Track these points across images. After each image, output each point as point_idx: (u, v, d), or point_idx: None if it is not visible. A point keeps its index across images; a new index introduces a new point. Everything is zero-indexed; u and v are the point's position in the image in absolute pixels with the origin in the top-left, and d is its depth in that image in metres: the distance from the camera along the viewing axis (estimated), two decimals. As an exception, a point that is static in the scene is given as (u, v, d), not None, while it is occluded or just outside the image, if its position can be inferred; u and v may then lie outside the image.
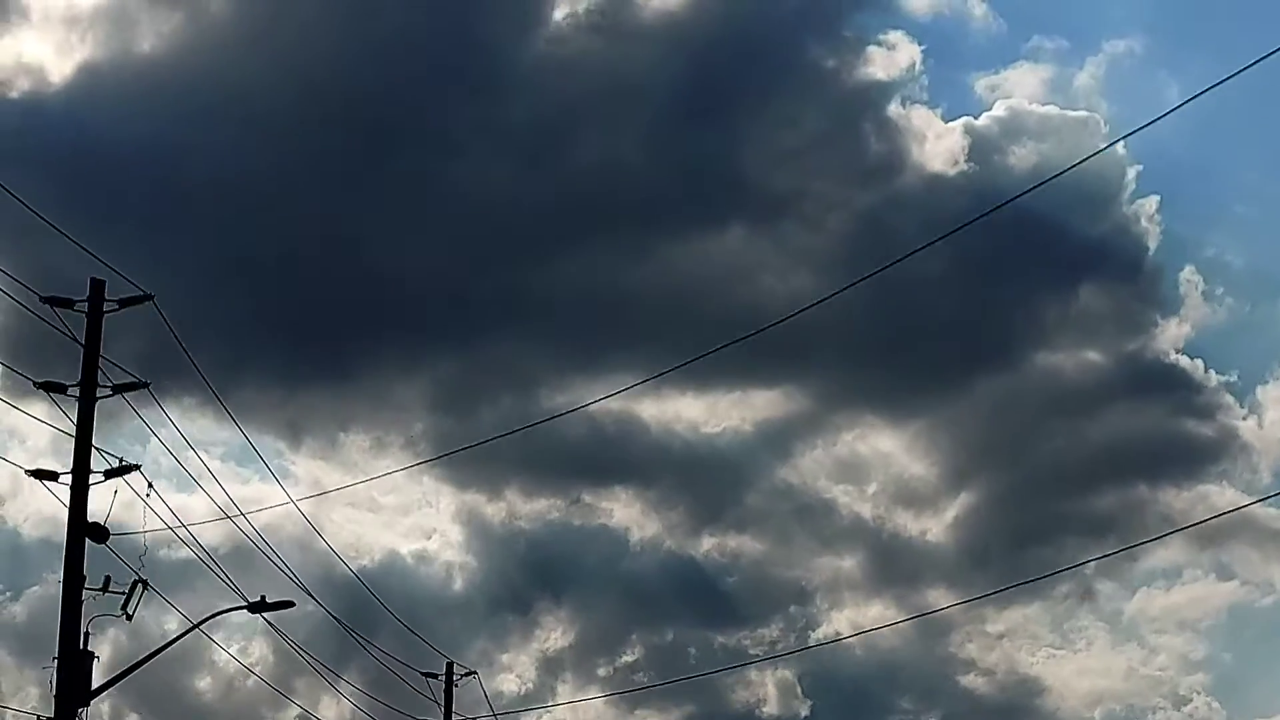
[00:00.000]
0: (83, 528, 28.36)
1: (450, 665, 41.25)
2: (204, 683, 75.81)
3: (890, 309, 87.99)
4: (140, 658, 29.42)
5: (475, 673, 40.92)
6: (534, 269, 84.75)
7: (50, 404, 28.48)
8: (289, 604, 30.28)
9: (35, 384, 28.24)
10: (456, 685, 41.13)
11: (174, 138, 74.01)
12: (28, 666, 68.27)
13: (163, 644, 29.54)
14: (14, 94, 75.23)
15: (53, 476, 28.99)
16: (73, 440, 28.39)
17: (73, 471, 28.92)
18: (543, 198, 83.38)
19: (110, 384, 29.15)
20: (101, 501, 28.64)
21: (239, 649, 75.20)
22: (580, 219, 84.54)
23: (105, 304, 29.03)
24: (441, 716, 40.55)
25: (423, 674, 39.91)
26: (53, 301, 28.61)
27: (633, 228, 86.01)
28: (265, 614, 31.37)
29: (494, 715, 42.59)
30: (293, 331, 79.44)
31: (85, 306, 28.91)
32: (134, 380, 29.30)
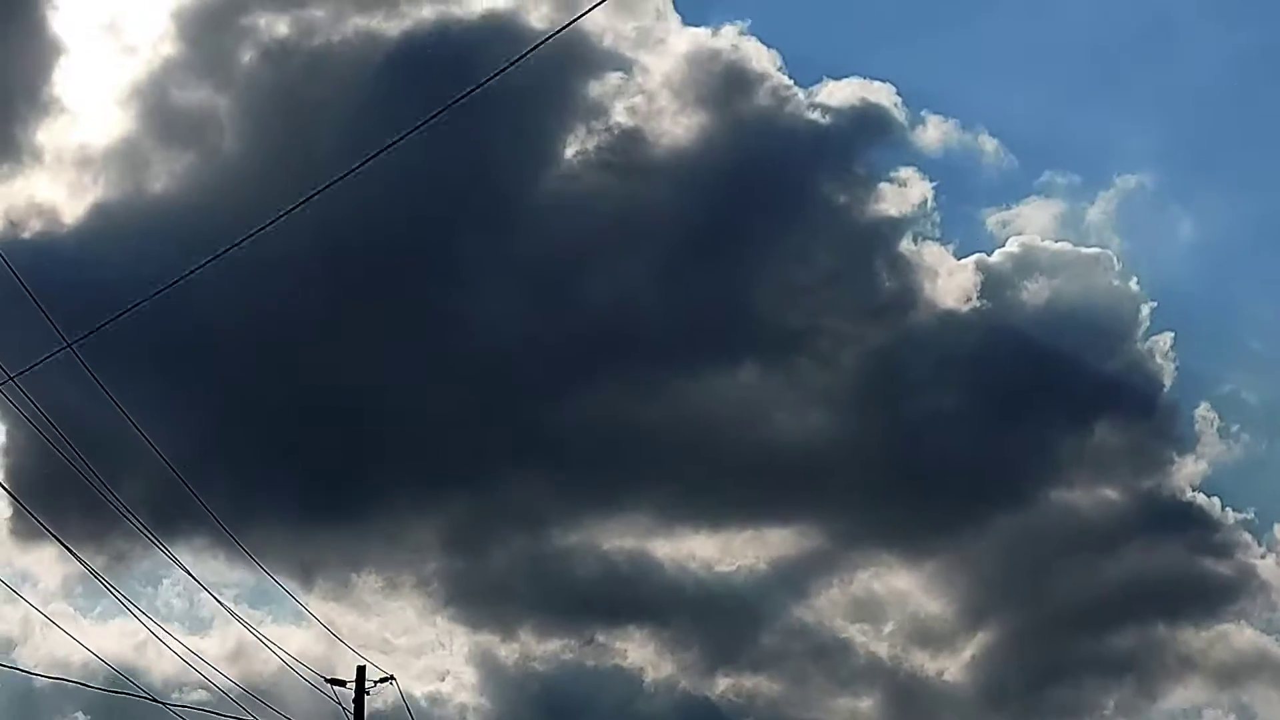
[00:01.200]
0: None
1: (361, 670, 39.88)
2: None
3: (904, 446, 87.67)
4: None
5: (392, 677, 39.41)
6: (545, 406, 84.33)
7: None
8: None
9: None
10: (368, 693, 39.52)
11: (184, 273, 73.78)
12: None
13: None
14: (26, 234, 75.28)
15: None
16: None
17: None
18: (554, 335, 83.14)
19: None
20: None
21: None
22: (591, 356, 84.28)
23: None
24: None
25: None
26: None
27: (644, 364, 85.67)
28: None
29: None
30: (303, 473, 78.97)
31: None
32: None
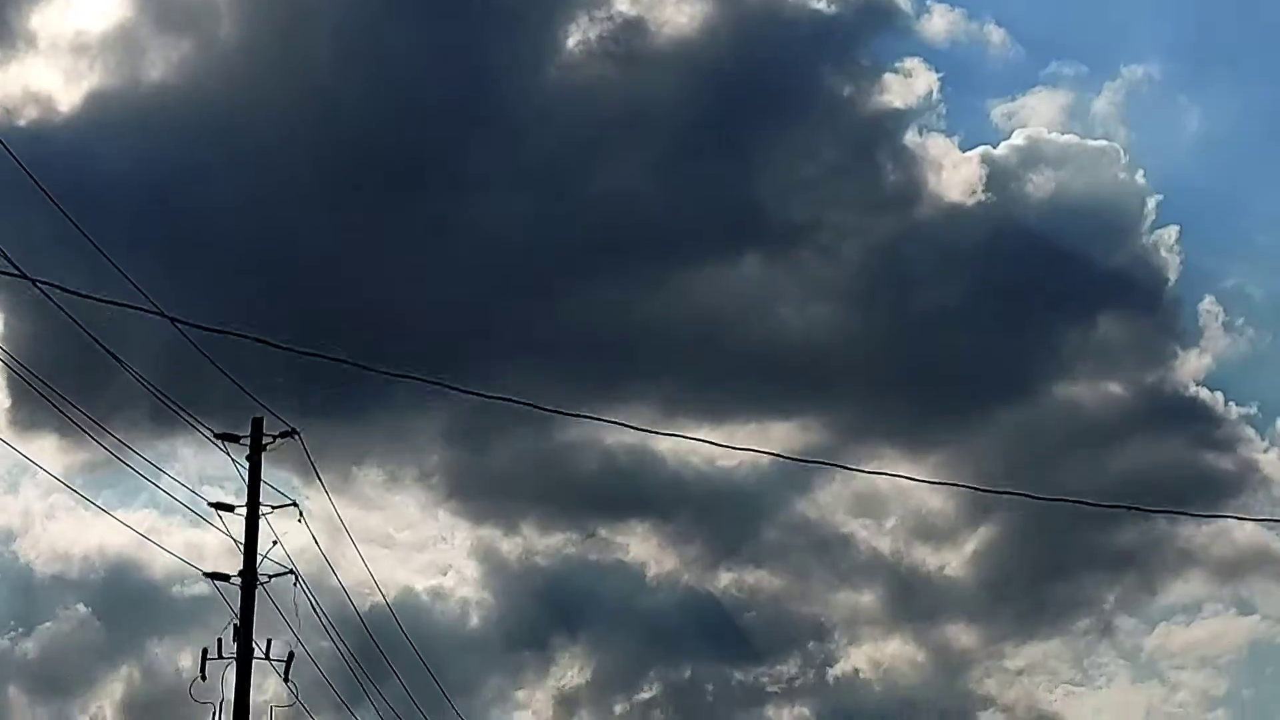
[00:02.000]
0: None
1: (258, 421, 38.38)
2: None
3: (908, 340, 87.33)
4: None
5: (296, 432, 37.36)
6: (547, 300, 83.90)
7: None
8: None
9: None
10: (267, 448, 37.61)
11: (183, 166, 73.29)
12: (38, 704, 67.52)
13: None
14: (21, 122, 74.56)
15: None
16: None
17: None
18: (556, 229, 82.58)
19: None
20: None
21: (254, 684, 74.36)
22: (594, 250, 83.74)
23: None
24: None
25: None
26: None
27: (647, 258, 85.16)
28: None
29: None
30: (304, 365, 78.54)
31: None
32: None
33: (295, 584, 32.54)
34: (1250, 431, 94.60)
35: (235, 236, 75.50)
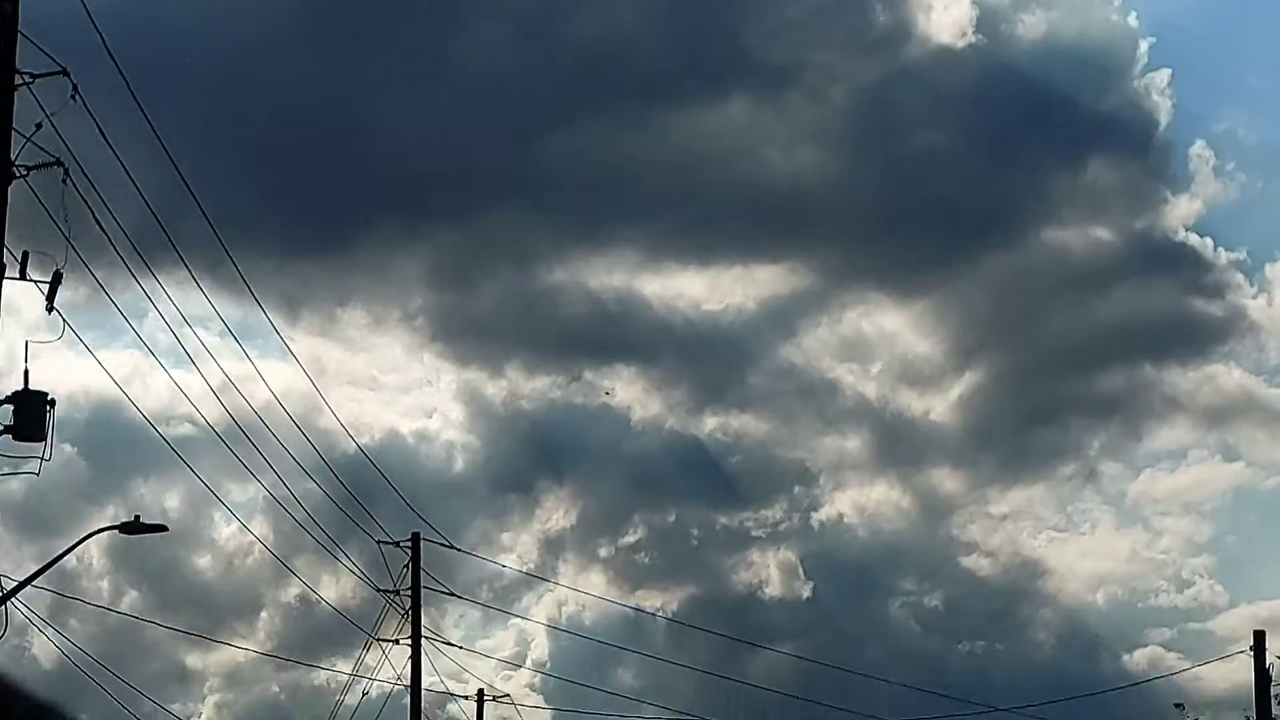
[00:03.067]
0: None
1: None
2: (204, 560, 75.30)
3: (896, 183, 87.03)
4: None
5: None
6: (533, 142, 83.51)
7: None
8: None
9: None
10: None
11: (173, 5, 72.44)
12: (25, 544, 67.59)
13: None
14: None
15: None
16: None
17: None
18: (542, 70, 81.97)
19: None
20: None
21: (236, 527, 74.71)
22: (580, 91, 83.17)
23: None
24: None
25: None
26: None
27: (632, 99, 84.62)
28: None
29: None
30: (289, 203, 78.25)
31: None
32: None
33: (64, 180, 25.25)
34: (1239, 277, 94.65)
35: (220, 73, 74.93)
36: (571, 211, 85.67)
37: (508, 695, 49.25)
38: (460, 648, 38.63)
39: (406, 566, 36.20)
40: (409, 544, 36.40)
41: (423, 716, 37.24)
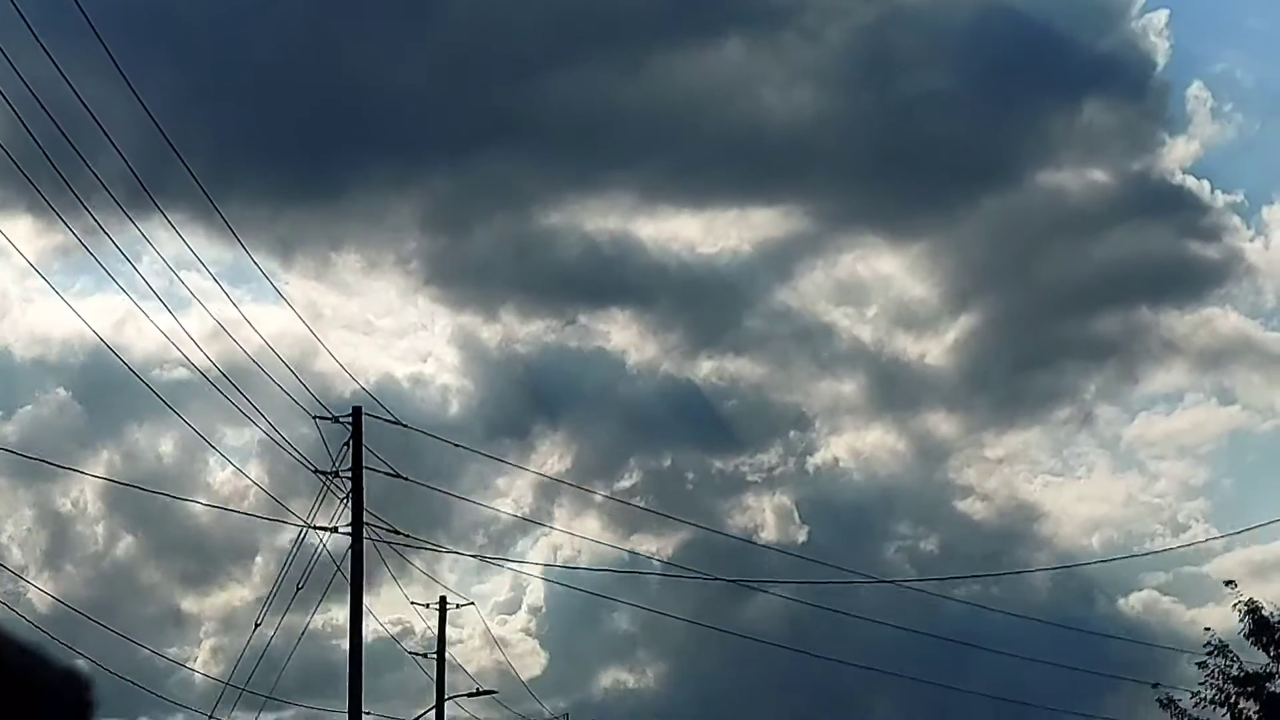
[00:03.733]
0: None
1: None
2: (197, 505, 75.53)
3: (892, 125, 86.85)
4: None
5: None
6: (528, 84, 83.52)
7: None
8: None
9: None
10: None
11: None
12: (20, 487, 67.97)
13: None
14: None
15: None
16: None
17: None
18: (536, 11, 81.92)
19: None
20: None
21: (232, 472, 74.89)
22: (574, 32, 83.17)
23: None
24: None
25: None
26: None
27: (627, 40, 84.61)
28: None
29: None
30: (282, 147, 78.35)
31: None
32: None
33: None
34: (1236, 220, 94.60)
35: (213, 19, 75.01)
36: (566, 154, 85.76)
37: (472, 603, 48.87)
38: (407, 535, 36.04)
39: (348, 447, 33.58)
40: (349, 419, 33.67)
41: (364, 620, 34.77)
